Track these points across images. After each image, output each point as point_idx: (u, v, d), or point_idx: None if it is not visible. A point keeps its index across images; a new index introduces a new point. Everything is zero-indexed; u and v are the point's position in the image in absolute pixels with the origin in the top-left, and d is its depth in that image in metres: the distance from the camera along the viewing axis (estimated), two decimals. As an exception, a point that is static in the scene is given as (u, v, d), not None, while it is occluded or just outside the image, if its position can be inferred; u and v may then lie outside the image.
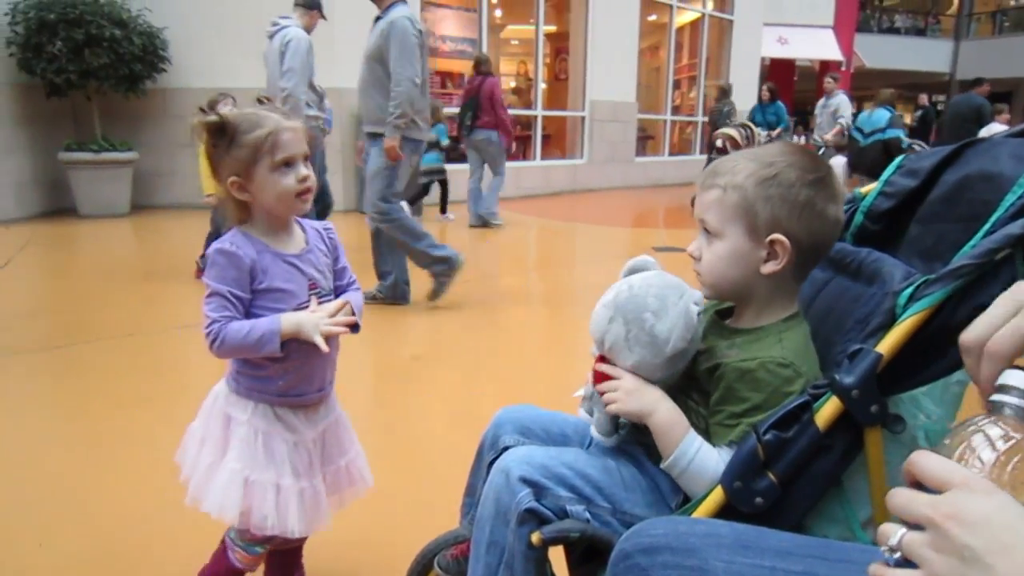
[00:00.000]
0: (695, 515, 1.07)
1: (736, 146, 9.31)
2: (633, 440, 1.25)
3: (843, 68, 18.98)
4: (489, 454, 1.39)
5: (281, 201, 1.46)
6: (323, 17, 5.33)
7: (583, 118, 12.23)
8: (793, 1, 17.49)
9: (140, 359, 3.53)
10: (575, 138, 12.56)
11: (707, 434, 1.16)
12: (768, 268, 1.14)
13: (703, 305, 1.22)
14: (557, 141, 12.69)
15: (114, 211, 7.92)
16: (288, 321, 1.43)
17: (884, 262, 1.20)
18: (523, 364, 3.72)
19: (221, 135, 1.42)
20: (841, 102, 9.39)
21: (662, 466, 1.15)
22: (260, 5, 7.99)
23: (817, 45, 18.27)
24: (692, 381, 1.20)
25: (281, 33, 4.90)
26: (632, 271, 1.27)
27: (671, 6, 13.93)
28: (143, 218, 8.02)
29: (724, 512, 1.06)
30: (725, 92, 10.61)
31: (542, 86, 12.01)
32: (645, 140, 14.48)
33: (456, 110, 9.53)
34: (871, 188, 1.42)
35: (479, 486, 1.43)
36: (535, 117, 11.74)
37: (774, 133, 9.63)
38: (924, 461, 0.63)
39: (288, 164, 1.44)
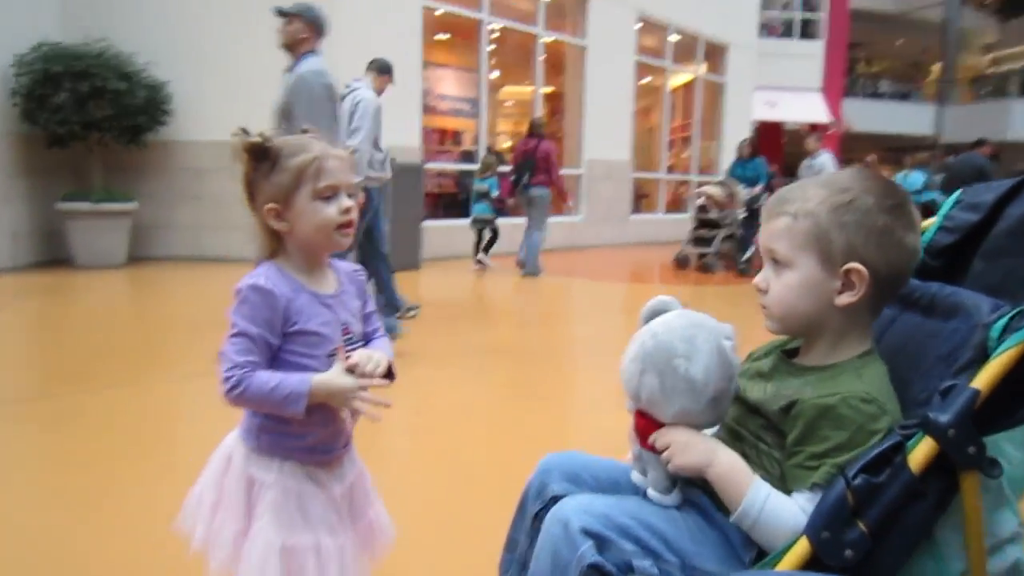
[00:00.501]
0: (779, 570, 0.98)
1: (716, 204, 9.46)
2: (697, 487, 1.16)
3: (831, 130, 19.37)
4: (534, 504, 1.29)
5: (321, 232, 1.35)
6: (392, 82, 5.60)
7: (579, 176, 12.33)
8: (783, 65, 17.92)
9: (136, 410, 3.41)
10: (572, 196, 12.63)
11: (782, 480, 1.07)
12: (843, 300, 1.08)
13: (734, 339, 1.15)
14: (555, 199, 12.74)
15: (111, 262, 7.83)
16: (319, 385, 1.30)
17: (961, 295, 1.14)
18: (537, 414, 3.61)
19: (263, 157, 1.33)
20: (826, 162, 9.29)
21: (732, 519, 1.06)
22: (263, 58, 8.10)
23: (806, 108, 18.65)
24: (763, 424, 1.13)
25: (352, 95, 5.08)
26: (653, 313, 1.21)
27: (665, 68, 14.24)
28: (140, 269, 7.93)
29: (810, 567, 0.98)
30: (753, 148, 10.37)
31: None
32: (640, 198, 14.60)
33: (454, 165, 9.52)
34: (930, 223, 1.37)
35: (520, 540, 1.34)
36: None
37: (756, 189, 9.57)
38: None
39: (331, 195, 1.34)
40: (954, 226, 1.34)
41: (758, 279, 1.17)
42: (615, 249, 12.50)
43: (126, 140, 7.85)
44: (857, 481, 0.96)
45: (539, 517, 1.28)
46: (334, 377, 1.32)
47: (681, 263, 9.84)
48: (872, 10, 24.15)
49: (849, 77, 22.95)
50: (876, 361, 1.09)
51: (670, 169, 15.27)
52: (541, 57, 11.44)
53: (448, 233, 9.82)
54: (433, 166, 10.46)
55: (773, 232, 1.14)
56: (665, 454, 1.13)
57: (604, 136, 12.55)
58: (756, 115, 17.10)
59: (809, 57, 18.90)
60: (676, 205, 15.51)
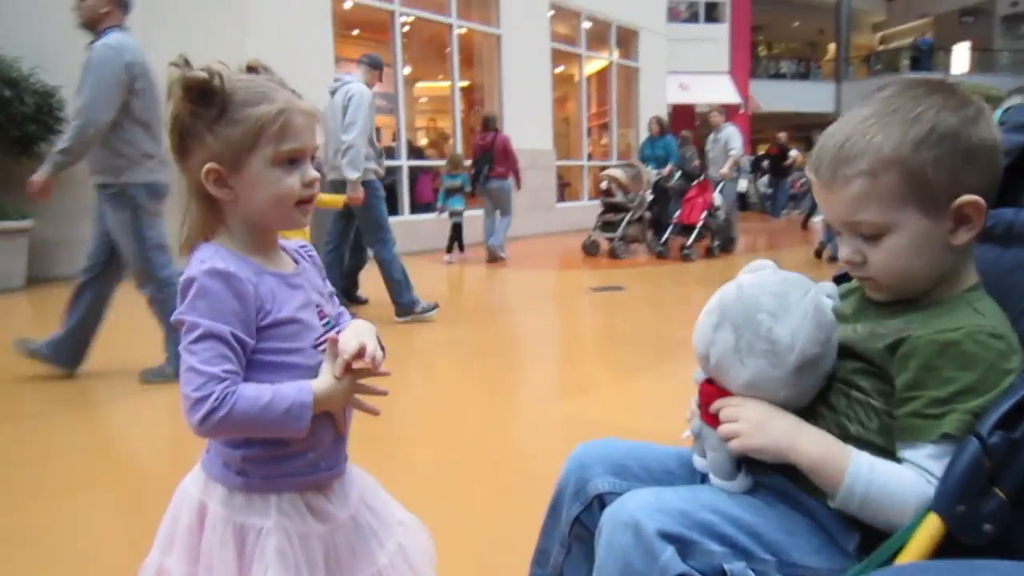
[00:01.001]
0: (907, 559, 0.81)
1: (621, 187, 9.01)
2: (769, 466, 0.99)
3: (741, 111, 19.87)
4: (573, 506, 1.09)
5: (276, 208, 1.06)
6: (381, 80, 5.55)
7: (503, 167, 12.17)
8: (692, 49, 18.23)
9: (51, 441, 3.03)
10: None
11: (882, 433, 0.91)
12: (962, 238, 0.91)
13: (837, 299, 0.98)
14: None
15: (8, 284, 7.18)
16: (320, 390, 1.04)
17: None
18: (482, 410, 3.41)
19: (207, 101, 1.01)
20: (730, 134, 9.18)
21: (834, 505, 0.89)
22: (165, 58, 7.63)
23: (716, 90, 19.06)
24: (858, 368, 0.95)
25: (344, 88, 4.99)
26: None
27: (580, 55, 14.22)
28: (42, 291, 7.29)
29: (944, 546, 0.81)
30: (661, 126, 10.31)
31: (460, 139, 11.91)
32: (564, 187, 14.56)
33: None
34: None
35: (554, 551, 1.13)
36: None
37: (665, 170, 9.32)
38: None
39: (294, 160, 1.06)
40: (1006, 149, 1.21)
41: (848, 254, 0.96)
42: (544, 238, 12.40)
43: (16, 152, 7.21)
44: (993, 439, 0.80)
45: (581, 521, 1.09)
46: (327, 383, 1.06)
47: (589, 250, 9.42)
48: (769, -7, 24.95)
49: (753, 59, 23.59)
50: (987, 295, 0.94)
51: (590, 156, 15.29)
52: (456, 48, 11.19)
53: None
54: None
55: (851, 202, 0.92)
56: (728, 428, 0.95)
57: (525, 126, 12.40)
58: (670, 99, 17.34)
59: (715, 41, 19.32)
60: (599, 192, 15.55)
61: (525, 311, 6.33)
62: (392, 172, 10.10)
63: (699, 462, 1.05)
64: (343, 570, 1.10)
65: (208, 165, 1.03)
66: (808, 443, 0.92)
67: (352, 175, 4.87)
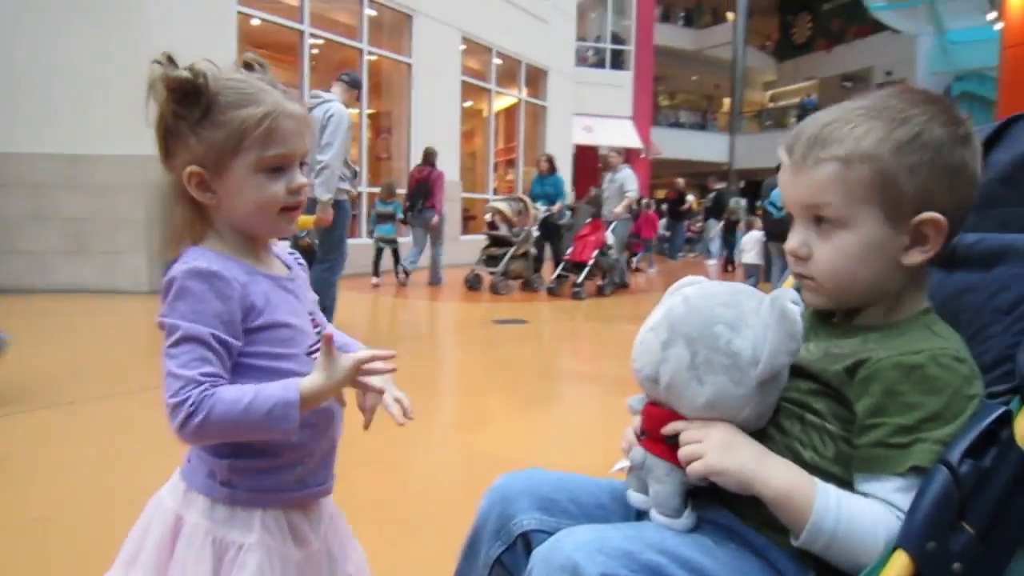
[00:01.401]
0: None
1: (505, 220, 8.77)
2: (714, 502, 0.89)
3: (642, 155, 20.54)
4: (494, 545, 0.97)
5: (259, 215, 1.02)
6: (358, 100, 5.67)
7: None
8: (597, 93, 18.76)
9: None
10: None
11: (837, 461, 0.83)
12: (914, 258, 0.86)
13: (801, 305, 0.91)
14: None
15: None
16: (309, 386, 0.95)
17: (1001, 238, 0.97)
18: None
19: (192, 102, 0.97)
20: (626, 176, 9.07)
21: (798, 543, 0.80)
22: (106, 63, 7.19)
23: (619, 134, 19.63)
24: (812, 388, 0.88)
25: (324, 106, 4.92)
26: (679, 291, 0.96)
27: (489, 91, 14.33)
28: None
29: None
30: (551, 164, 10.06)
31: (365, 166, 11.71)
32: (468, 219, 14.54)
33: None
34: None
35: (471, 598, 1.00)
36: (358, 195, 11.35)
37: (555, 207, 9.24)
38: None
39: (280, 166, 1.01)
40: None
41: (795, 244, 0.91)
42: (448, 270, 12.28)
43: None
44: (964, 468, 0.74)
45: (502, 563, 0.97)
46: (327, 366, 0.96)
47: (471, 284, 9.00)
48: (671, 47, 26.15)
49: (654, 108, 24.53)
50: (940, 319, 0.89)
51: (495, 191, 15.36)
52: (365, 74, 11.03)
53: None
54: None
55: (817, 184, 0.87)
56: (690, 450, 0.85)
57: (433, 156, 12.34)
58: (575, 139, 17.72)
59: (620, 87, 19.94)
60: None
61: (429, 341, 6.17)
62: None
63: (636, 498, 0.95)
64: None
65: (190, 168, 1.00)
66: (774, 474, 0.83)
67: (324, 196, 4.75)
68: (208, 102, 0.98)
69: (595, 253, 8.58)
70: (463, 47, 13.04)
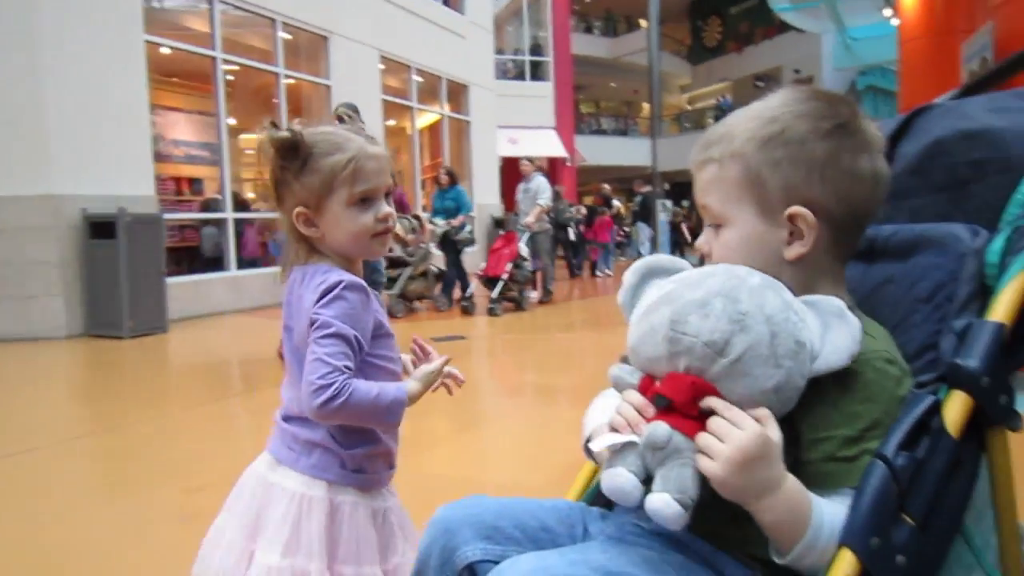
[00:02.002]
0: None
1: (399, 240, 8.15)
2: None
3: (568, 164, 20.79)
4: (440, 580, 0.93)
5: (355, 242, 1.26)
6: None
7: (337, 219, 11.86)
8: (520, 105, 18.92)
9: None
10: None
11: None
12: (793, 252, 0.87)
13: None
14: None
15: None
16: (411, 390, 1.26)
17: (917, 229, 0.99)
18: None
19: (292, 156, 1.21)
20: (540, 184, 8.91)
21: (784, 561, 0.77)
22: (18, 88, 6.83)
23: (543, 144, 19.84)
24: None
25: None
26: (649, 274, 0.93)
27: (411, 108, 14.28)
28: None
29: (858, 588, 0.73)
30: (451, 176, 9.52)
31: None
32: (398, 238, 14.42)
33: (198, 215, 8.84)
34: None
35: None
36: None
37: (455, 221, 8.73)
38: None
39: (367, 199, 1.24)
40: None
41: (700, 242, 0.95)
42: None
43: None
44: (900, 461, 0.74)
45: (449, 598, 0.93)
46: (420, 372, 1.30)
47: None
48: (589, 56, 26.59)
49: (576, 116, 24.89)
50: (863, 315, 0.89)
51: (424, 208, 15.28)
52: (284, 99, 10.83)
53: (197, 289, 8.83)
54: (174, 216, 9.43)
55: (702, 185, 0.94)
56: (709, 443, 0.76)
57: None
58: (500, 152, 17.80)
59: (542, 98, 20.16)
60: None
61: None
62: (218, 225, 9.54)
63: (627, 479, 0.79)
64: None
65: (297, 209, 1.24)
66: (791, 489, 0.77)
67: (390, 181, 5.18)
68: (305, 154, 1.21)
69: (509, 266, 8.23)
70: (382, 66, 12.96)
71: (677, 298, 0.83)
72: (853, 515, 0.74)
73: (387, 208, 1.27)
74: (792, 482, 0.77)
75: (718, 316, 0.79)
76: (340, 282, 1.18)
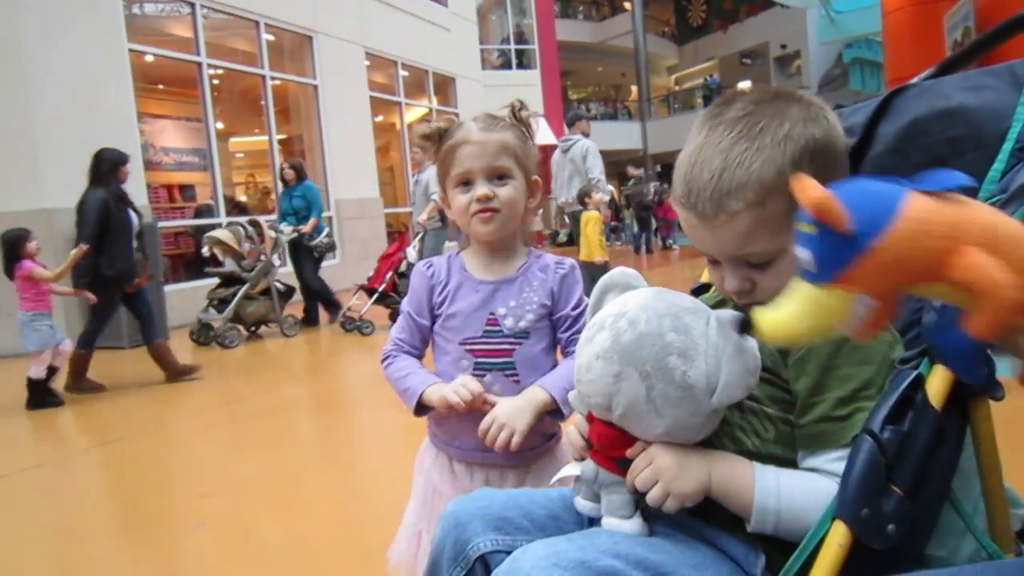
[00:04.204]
0: (820, 574, 0.76)
1: (230, 252, 6.79)
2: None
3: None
4: (454, 572, 0.97)
5: (460, 220, 1.37)
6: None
7: (330, 218, 11.84)
8: (507, 94, 18.69)
9: None
10: (324, 239, 12.10)
11: (778, 443, 0.87)
12: None
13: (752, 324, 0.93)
14: (306, 245, 12.13)
15: None
16: (429, 393, 1.32)
17: None
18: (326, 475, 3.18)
19: (437, 145, 1.37)
20: (431, 176, 6.92)
21: (751, 528, 0.83)
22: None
23: (535, 133, 19.82)
24: None
25: (580, 143, 6.85)
26: (606, 290, 0.95)
27: (399, 103, 14.26)
28: None
29: (853, 558, 0.77)
30: (297, 170, 7.65)
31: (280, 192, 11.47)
32: (393, 235, 14.41)
33: (185, 222, 8.97)
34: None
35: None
36: None
37: (305, 228, 7.20)
38: None
39: (466, 181, 1.33)
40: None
41: (737, 285, 0.90)
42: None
43: None
44: (886, 434, 0.78)
45: (465, 587, 0.96)
46: (447, 386, 1.31)
47: (199, 338, 6.77)
48: (574, 41, 26.50)
49: (564, 102, 24.83)
50: None
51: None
52: (270, 100, 10.81)
53: (196, 295, 8.85)
54: (168, 225, 9.43)
55: (739, 236, 0.86)
56: (646, 477, 0.86)
57: (350, 175, 12.20)
58: (491, 143, 17.78)
59: (529, 86, 20.09)
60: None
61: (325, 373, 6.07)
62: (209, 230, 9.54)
63: (585, 506, 0.96)
64: None
65: (441, 195, 1.44)
66: (718, 471, 0.86)
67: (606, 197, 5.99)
68: (440, 141, 1.37)
69: (389, 275, 6.88)
70: (367, 63, 12.94)
71: (579, 354, 0.91)
72: (844, 488, 0.78)
73: (483, 188, 1.31)
74: (723, 465, 0.86)
75: (596, 378, 0.87)
76: (412, 264, 1.31)
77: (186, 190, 10.70)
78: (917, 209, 0.54)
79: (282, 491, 2.99)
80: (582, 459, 0.96)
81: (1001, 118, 1.02)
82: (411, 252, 6.89)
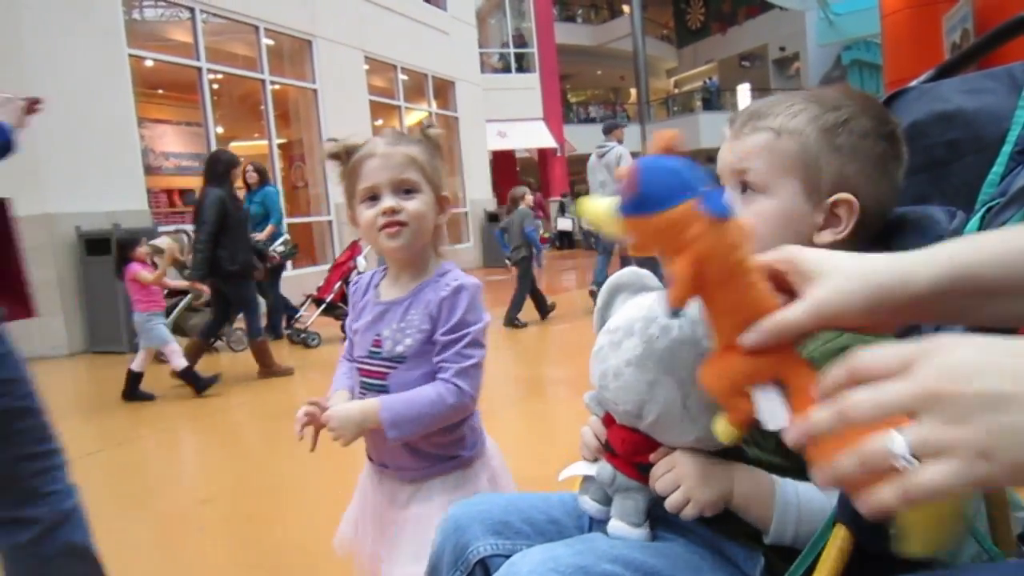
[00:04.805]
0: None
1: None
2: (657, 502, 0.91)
3: (558, 154, 20.79)
4: (454, 575, 0.96)
5: (367, 234, 1.34)
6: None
7: (330, 222, 11.86)
8: (507, 98, 18.90)
9: None
10: (324, 243, 12.10)
11: (780, 453, 0.87)
12: (825, 237, 0.89)
13: None
14: (305, 249, 12.12)
15: None
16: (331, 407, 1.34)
17: (896, 212, 1.02)
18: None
19: (341, 161, 1.38)
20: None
21: (769, 540, 0.83)
22: None
23: (532, 136, 19.85)
24: None
25: (615, 150, 7.12)
26: (615, 291, 0.95)
27: (399, 107, 14.28)
28: None
29: (854, 561, 0.77)
30: (260, 174, 7.28)
31: (282, 196, 11.47)
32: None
33: (185, 227, 9.05)
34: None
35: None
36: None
37: (261, 236, 6.73)
38: (869, 354, 0.53)
39: (373, 196, 1.32)
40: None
41: None
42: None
43: None
44: (886, 438, 0.77)
45: (461, 592, 0.96)
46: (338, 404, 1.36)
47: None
48: (573, 44, 26.54)
49: (564, 106, 24.87)
50: None
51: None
52: (270, 105, 10.82)
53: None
54: (168, 229, 9.43)
55: (748, 150, 0.93)
56: (667, 482, 0.85)
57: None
58: (490, 146, 17.81)
59: (529, 89, 20.13)
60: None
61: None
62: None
63: (592, 506, 0.94)
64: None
65: (349, 211, 1.42)
66: (740, 480, 0.85)
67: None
68: (346, 159, 1.37)
69: (338, 285, 6.69)
70: (367, 67, 12.96)
71: (603, 359, 0.87)
72: (844, 492, 0.77)
73: (388, 201, 1.30)
74: (743, 474, 0.85)
75: (627, 386, 0.84)
76: (361, 273, 1.43)
77: (186, 195, 10.71)
78: (679, 211, 0.66)
79: (282, 496, 2.99)
80: (595, 460, 0.94)
81: (1000, 121, 1.02)
82: (361, 261, 6.80)
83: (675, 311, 0.68)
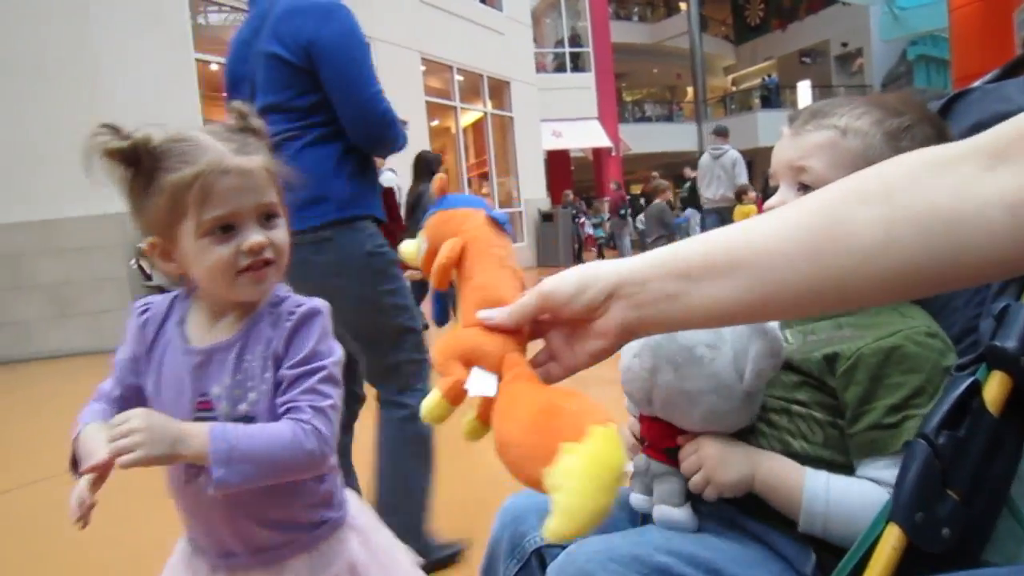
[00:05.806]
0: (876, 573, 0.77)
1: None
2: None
3: (613, 153, 20.68)
4: (510, 564, 1.00)
5: (216, 281, 0.96)
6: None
7: (387, 222, 12.06)
8: (562, 97, 18.90)
9: None
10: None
11: (827, 446, 0.88)
12: None
13: None
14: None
15: None
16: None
17: None
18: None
19: (134, 165, 0.93)
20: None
21: (800, 529, 0.85)
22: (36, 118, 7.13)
23: (587, 135, 19.79)
24: (796, 381, 0.92)
25: (729, 153, 8.13)
26: None
27: (455, 107, 14.41)
28: None
29: (907, 561, 0.77)
30: None
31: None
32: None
33: None
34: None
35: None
36: None
37: None
38: None
39: (228, 227, 0.93)
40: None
41: (775, 202, 0.95)
42: (434, 291, 12.29)
43: None
44: (941, 440, 0.78)
45: (519, 576, 1.00)
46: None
47: None
48: (629, 43, 26.36)
49: (619, 105, 24.72)
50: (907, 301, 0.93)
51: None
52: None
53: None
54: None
55: (810, 146, 0.94)
56: (691, 463, 0.90)
57: (407, 179, 12.37)
58: (545, 146, 17.83)
59: (584, 89, 20.08)
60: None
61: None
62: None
63: (639, 500, 0.98)
64: None
65: (148, 240, 0.97)
66: (764, 467, 0.88)
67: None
68: (149, 165, 0.92)
69: None
70: (423, 68, 13.12)
71: (622, 357, 0.93)
72: (898, 492, 0.78)
73: (254, 237, 0.95)
74: (770, 462, 0.88)
75: (634, 377, 0.91)
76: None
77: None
78: (469, 210, 0.83)
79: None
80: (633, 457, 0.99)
81: (1064, 122, 1.01)
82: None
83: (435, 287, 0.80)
